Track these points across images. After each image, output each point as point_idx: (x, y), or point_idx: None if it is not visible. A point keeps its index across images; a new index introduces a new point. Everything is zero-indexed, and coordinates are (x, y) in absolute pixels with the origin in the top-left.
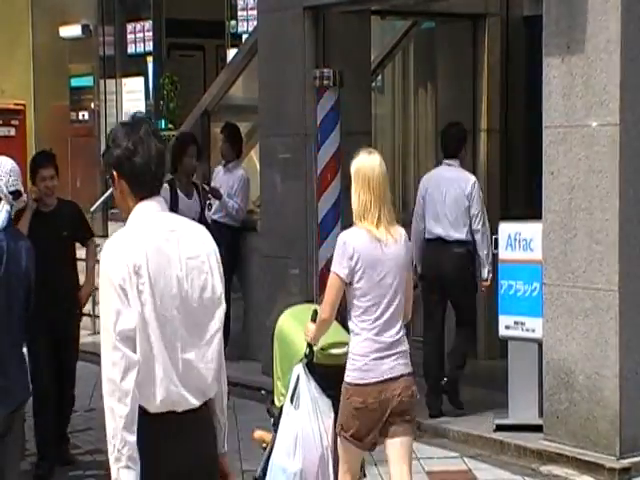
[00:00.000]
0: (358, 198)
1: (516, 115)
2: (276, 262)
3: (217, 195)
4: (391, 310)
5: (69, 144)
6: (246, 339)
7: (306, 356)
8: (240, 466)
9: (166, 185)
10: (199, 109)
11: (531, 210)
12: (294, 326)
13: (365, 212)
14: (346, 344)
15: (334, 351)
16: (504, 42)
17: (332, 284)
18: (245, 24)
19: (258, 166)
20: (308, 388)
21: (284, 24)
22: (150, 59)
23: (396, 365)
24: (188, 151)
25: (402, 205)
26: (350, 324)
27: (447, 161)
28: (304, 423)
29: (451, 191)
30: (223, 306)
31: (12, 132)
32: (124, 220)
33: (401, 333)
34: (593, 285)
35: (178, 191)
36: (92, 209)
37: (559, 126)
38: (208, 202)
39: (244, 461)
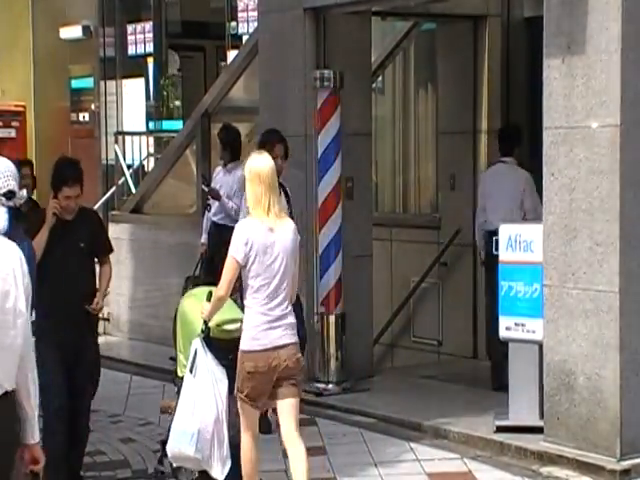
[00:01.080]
0: (251, 191)
1: (517, 116)
2: None
3: (216, 196)
4: (279, 289)
5: (69, 145)
6: None
7: (202, 332)
8: None
9: None
10: (199, 110)
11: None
12: (194, 306)
13: (256, 203)
14: (239, 321)
15: (228, 327)
16: (505, 43)
17: (229, 266)
18: (245, 25)
19: None
20: (205, 359)
21: (284, 25)
22: (151, 60)
23: (283, 335)
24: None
25: (403, 207)
26: (245, 301)
27: (503, 159)
28: (201, 390)
29: (506, 187)
30: (24, 317)
31: (12, 133)
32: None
33: (289, 308)
34: (594, 286)
35: None
36: None
37: (559, 127)
38: (207, 203)
39: None
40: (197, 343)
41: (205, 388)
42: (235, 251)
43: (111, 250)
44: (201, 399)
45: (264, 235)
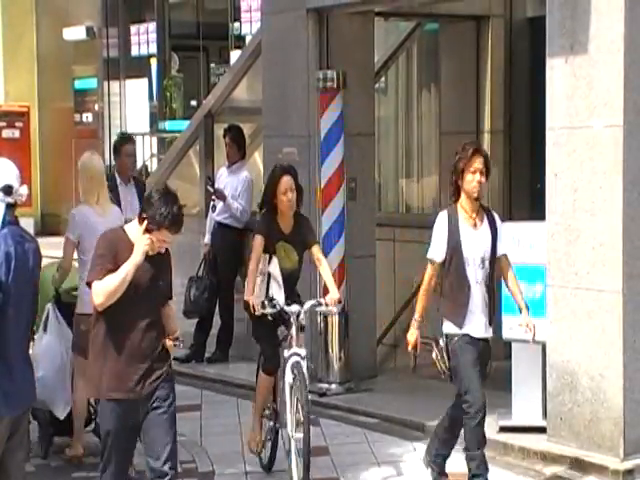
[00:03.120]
0: (82, 183)
1: (520, 116)
2: None
3: (221, 196)
4: None
5: (73, 146)
6: (249, 340)
7: (54, 297)
8: (244, 467)
9: None
10: (203, 110)
11: (535, 211)
12: (48, 277)
13: (87, 193)
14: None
15: (75, 293)
16: (508, 43)
17: (65, 246)
18: (248, 26)
19: (262, 167)
20: (55, 319)
21: (288, 26)
22: (154, 61)
23: None
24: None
25: (406, 207)
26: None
27: None
28: (50, 343)
29: None
30: None
31: (16, 134)
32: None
33: None
34: (597, 286)
35: None
36: None
37: (562, 127)
38: (212, 203)
39: (247, 462)
40: (50, 306)
41: (53, 342)
42: (70, 233)
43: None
44: (49, 351)
45: (93, 219)
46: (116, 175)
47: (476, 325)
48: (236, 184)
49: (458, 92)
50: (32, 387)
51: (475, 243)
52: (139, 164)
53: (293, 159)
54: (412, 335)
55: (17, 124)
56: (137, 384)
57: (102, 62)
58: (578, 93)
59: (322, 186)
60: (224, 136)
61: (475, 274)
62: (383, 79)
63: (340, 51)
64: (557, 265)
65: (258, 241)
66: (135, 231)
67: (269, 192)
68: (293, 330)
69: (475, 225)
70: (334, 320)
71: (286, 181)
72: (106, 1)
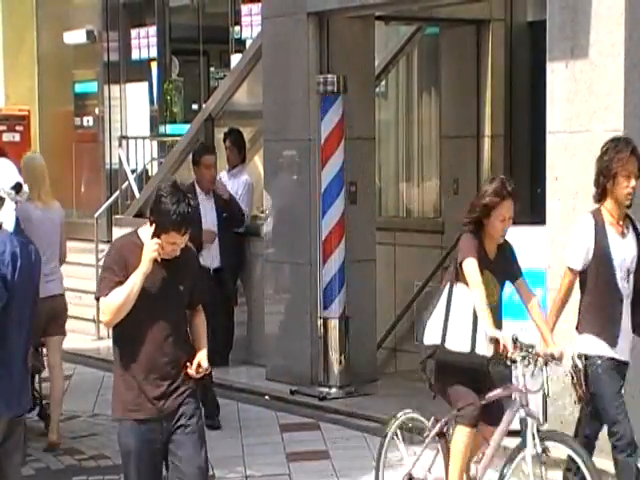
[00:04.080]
0: (26, 181)
1: (520, 120)
2: (280, 267)
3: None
4: (49, 250)
5: (73, 150)
6: (250, 344)
7: None
8: (244, 471)
9: None
10: (203, 114)
11: (535, 215)
12: None
13: (31, 190)
14: None
15: None
16: (508, 47)
17: None
18: (249, 30)
19: (262, 171)
20: None
21: (288, 30)
22: (154, 65)
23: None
24: None
25: (406, 212)
26: None
27: None
28: None
29: None
30: None
31: (17, 138)
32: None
33: (57, 266)
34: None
35: None
36: (96, 215)
37: (563, 131)
38: None
39: (248, 466)
40: None
41: None
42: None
43: (206, 299)
44: None
45: (35, 213)
46: (196, 186)
47: (624, 346)
48: (236, 188)
49: (458, 96)
50: (29, 395)
51: (623, 252)
52: (139, 168)
53: (293, 161)
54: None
55: (17, 128)
56: (158, 400)
57: (102, 66)
58: (578, 97)
59: (322, 190)
60: (224, 140)
61: (622, 286)
62: (383, 83)
63: (340, 55)
64: (557, 270)
65: (474, 265)
66: (147, 235)
67: (483, 210)
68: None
69: (622, 233)
70: (334, 324)
71: (508, 207)
72: (106, 5)
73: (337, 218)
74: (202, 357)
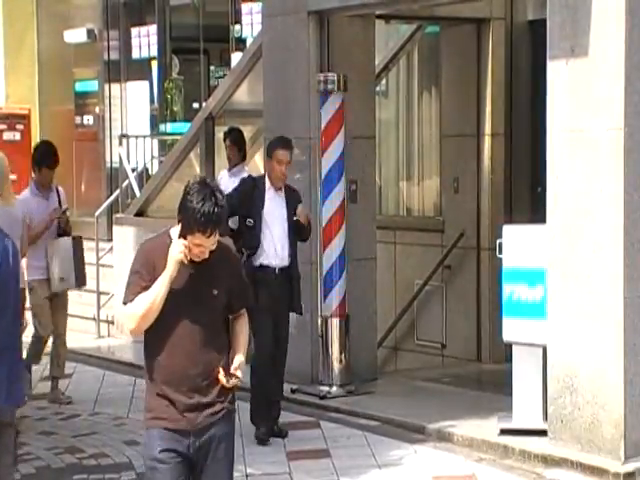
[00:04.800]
0: None
1: (520, 119)
2: None
3: None
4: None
5: (74, 148)
6: (250, 343)
7: None
8: (245, 470)
9: None
10: (203, 113)
11: (535, 214)
12: None
13: None
14: None
15: None
16: (508, 46)
17: None
18: (249, 28)
19: (262, 170)
20: None
21: (288, 28)
22: (155, 63)
23: None
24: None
25: (406, 210)
26: None
27: None
28: None
29: None
30: None
31: (17, 137)
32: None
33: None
34: (598, 289)
35: None
36: (97, 213)
37: (563, 130)
38: None
39: (248, 465)
40: None
41: None
42: None
43: (251, 300)
44: None
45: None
46: (266, 180)
47: None
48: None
49: (459, 95)
50: (22, 386)
51: None
52: (140, 166)
53: (297, 159)
54: None
55: (18, 126)
56: (190, 412)
57: (103, 64)
58: (579, 96)
59: (323, 188)
60: (225, 139)
61: None
62: (384, 82)
63: (341, 54)
64: (558, 268)
65: None
66: (177, 234)
67: None
68: None
69: None
70: (335, 323)
71: None
72: (107, 4)
73: (337, 217)
74: (236, 365)
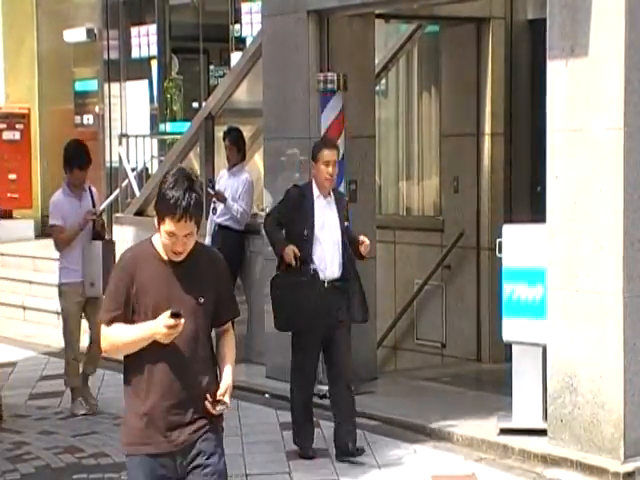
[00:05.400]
0: None
1: (520, 119)
2: None
3: (221, 199)
4: None
5: None
6: (250, 342)
7: None
8: (244, 470)
9: None
10: (203, 112)
11: (535, 214)
12: None
13: None
14: None
15: None
16: (508, 46)
17: None
18: (249, 28)
19: (262, 169)
20: None
21: (288, 28)
22: (154, 63)
23: None
24: None
25: (406, 210)
26: None
27: None
28: None
29: None
30: None
31: (17, 136)
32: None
33: None
34: (597, 289)
35: None
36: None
37: (563, 130)
38: (213, 205)
39: (248, 465)
40: None
41: None
42: None
43: (237, 312)
44: None
45: None
46: (313, 186)
47: None
48: (236, 186)
49: (458, 94)
50: None
51: None
52: (139, 166)
53: (296, 160)
54: None
55: (18, 126)
56: (171, 432)
57: (102, 64)
58: (578, 95)
59: None
60: (224, 138)
61: None
62: (384, 81)
63: (341, 53)
64: (558, 267)
65: None
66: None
67: None
68: None
69: None
70: None
71: None
72: (106, 3)
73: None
74: (223, 389)
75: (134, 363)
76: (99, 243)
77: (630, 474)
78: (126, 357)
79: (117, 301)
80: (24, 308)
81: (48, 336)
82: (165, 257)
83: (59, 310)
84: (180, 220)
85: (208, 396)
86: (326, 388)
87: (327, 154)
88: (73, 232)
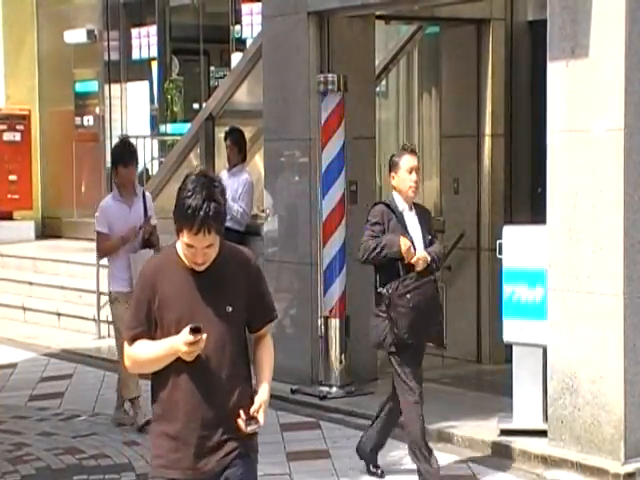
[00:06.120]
0: None
1: (520, 120)
2: (280, 266)
3: None
4: None
5: (74, 149)
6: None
7: None
8: None
9: None
10: (204, 113)
11: (535, 215)
12: None
13: None
14: None
15: None
16: (508, 47)
17: None
18: (249, 29)
19: (262, 170)
20: None
21: (288, 29)
22: (155, 64)
23: None
24: None
25: None
26: None
27: None
28: None
29: None
30: None
31: (17, 137)
32: None
33: None
34: (597, 290)
35: None
36: (96, 214)
37: (563, 131)
38: None
39: None
40: None
41: None
42: None
43: (275, 316)
44: None
45: None
46: (397, 202)
47: None
48: (237, 186)
49: (459, 95)
50: None
51: None
52: (140, 167)
53: (294, 160)
54: None
55: (18, 127)
56: (198, 459)
57: (103, 65)
58: (579, 97)
59: (323, 189)
60: (225, 139)
61: None
62: (384, 82)
63: (341, 54)
64: (558, 269)
65: None
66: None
67: None
68: None
69: None
70: (335, 323)
71: None
72: (107, 4)
73: (338, 217)
74: (257, 405)
75: (159, 381)
76: (147, 252)
77: (630, 475)
78: (153, 374)
79: (138, 317)
80: (24, 309)
81: (48, 337)
82: (188, 264)
83: (59, 311)
84: (198, 233)
85: (242, 413)
86: (326, 389)
87: (410, 160)
88: (116, 243)
